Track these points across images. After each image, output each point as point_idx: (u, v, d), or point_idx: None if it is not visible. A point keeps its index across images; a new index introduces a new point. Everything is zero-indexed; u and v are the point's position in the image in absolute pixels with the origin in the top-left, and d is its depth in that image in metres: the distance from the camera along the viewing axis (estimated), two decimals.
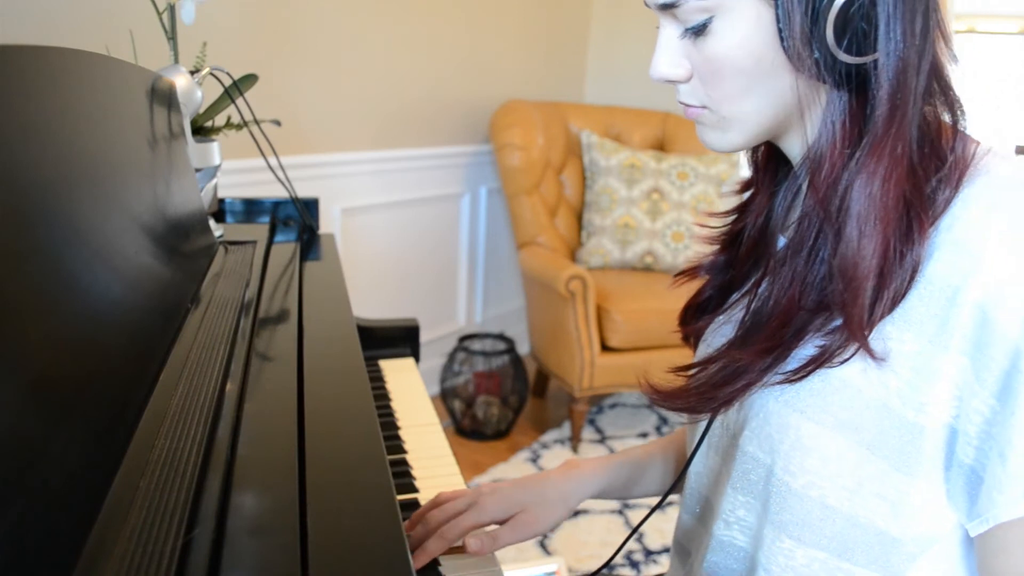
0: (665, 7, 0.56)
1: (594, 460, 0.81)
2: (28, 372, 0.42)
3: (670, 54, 0.58)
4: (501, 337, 2.66)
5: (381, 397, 1.10)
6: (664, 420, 2.71)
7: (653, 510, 0.77)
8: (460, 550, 0.76)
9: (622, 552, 1.95)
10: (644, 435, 2.59)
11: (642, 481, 0.84)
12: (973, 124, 0.57)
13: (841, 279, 0.54)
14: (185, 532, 0.44)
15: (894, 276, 0.53)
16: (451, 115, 2.69)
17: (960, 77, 0.56)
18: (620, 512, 2.12)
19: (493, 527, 0.75)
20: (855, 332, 0.54)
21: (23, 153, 0.49)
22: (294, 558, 0.45)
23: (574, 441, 2.46)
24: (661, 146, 2.89)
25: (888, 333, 0.55)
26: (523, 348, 2.99)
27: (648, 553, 1.96)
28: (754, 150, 0.70)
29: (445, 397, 2.58)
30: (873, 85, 0.53)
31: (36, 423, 0.41)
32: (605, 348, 2.39)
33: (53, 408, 0.44)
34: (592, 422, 2.66)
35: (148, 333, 0.63)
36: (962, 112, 0.56)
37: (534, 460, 2.40)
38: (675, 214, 2.62)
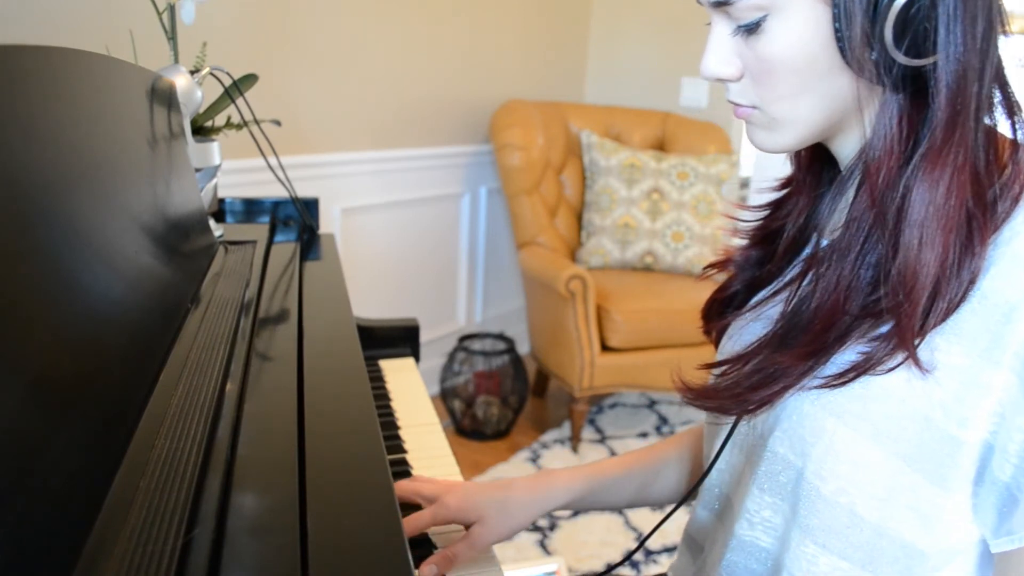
0: (718, 4, 0.54)
1: (568, 472, 0.80)
2: (28, 372, 0.42)
3: (721, 52, 0.57)
4: (501, 337, 2.66)
5: (381, 397, 1.10)
6: (664, 420, 2.71)
7: (668, 516, 0.76)
8: None
9: (622, 552, 1.95)
10: (644, 435, 2.59)
11: (651, 485, 0.83)
12: None
13: (900, 286, 0.53)
14: (185, 532, 0.44)
15: (950, 286, 0.52)
16: (451, 115, 2.69)
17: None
18: (620, 512, 2.12)
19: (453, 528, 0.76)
20: (905, 341, 0.53)
21: (23, 153, 0.49)
22: (294, 558, 0.45)
23: (574, 441, 2.46)
24: (661, 146, 2.89)
25: (936, 344, 0.53)
26: (523, 348, 2.99)
27: (648, 553, 1.96)
28: (799, 151, 0.69)
29: (445, 397, 2.58)
30: (932, 89, 0.51)
31: (36, 423, 0.41)
32: (605, 348, 2.39)
33: (53, 408, 0.44)
34: (592, 422, 2.66)
35: (148, 333, 0.63)
36: (1020, 120, 0.55)
37: (534, 460, 2.40)
38: (675, 214, 2.62)
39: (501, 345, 2.64)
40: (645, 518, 2.09)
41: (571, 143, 2.81)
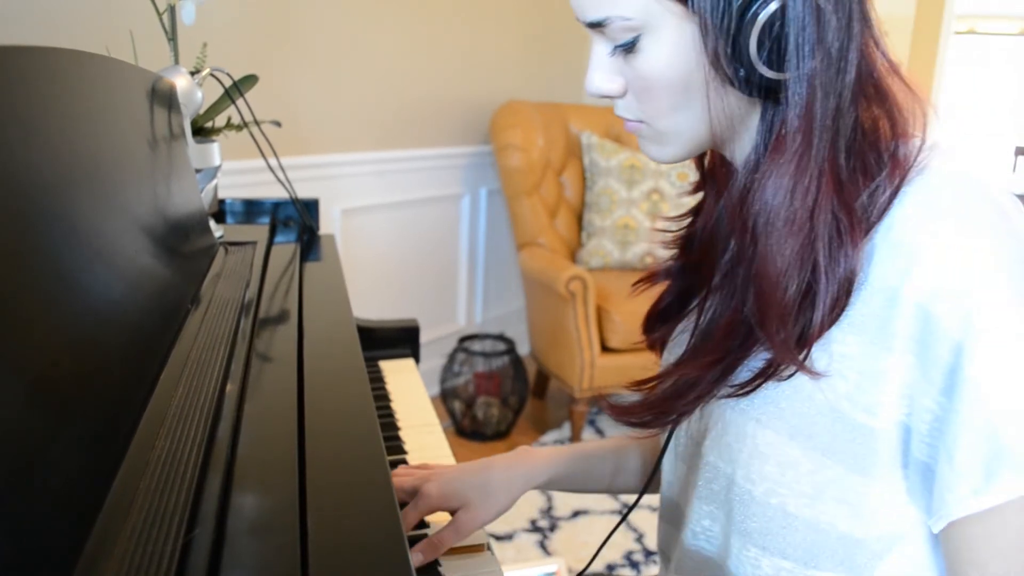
0: (593, 25, 0.56)
1: (548, 449, 0.81)
2: (28, 372, 0.42)
3: (603, 70, 0.58)
4: (501, 338, 2.66)
5: (381, 398, 1.10)
6: None
7: (628, 511, 0.78)
8: (459, 550, 0.76)
9: (622, 552, 1.96)
10: None
11: (620, 472, 0.84)
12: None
13: (755, 298, 0.55)
14: (185, 532, 0.44)
15: (827, 292, 0.53)
16: (451, 116, 2.69)
17: (907, 78, 0.56)
18: (620, 512, 2.12)
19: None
20: (780, 353, 0.54)
21: (23, 153, 0.49)
22: (294, 558, 0.45)
23: (574, 442, 2.46)
24: None
25: (833, 337, 0.54)
26: (523, 349, 2.99)
27: (648, 553, 1.96)
28: (700, 154, 0.70)
29: (445, 398, 2.58)
30: (784, 102, 0.53)
31: (36, 423, 0.41)
32: (605, 349, 2.39)
33: (53, 408, 0.44)
34: (592, 423, 2.66)
35: (148, 333, 0.63)
36: (900, 116, 0.56)
37: None
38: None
39: (501, 346, 2.64)
40: (645, 518, 2.09)
41: (571, 144, 2.81)
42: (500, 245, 3.03)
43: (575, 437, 2.46)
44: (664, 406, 0.61)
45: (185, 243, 0.84)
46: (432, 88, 2.58)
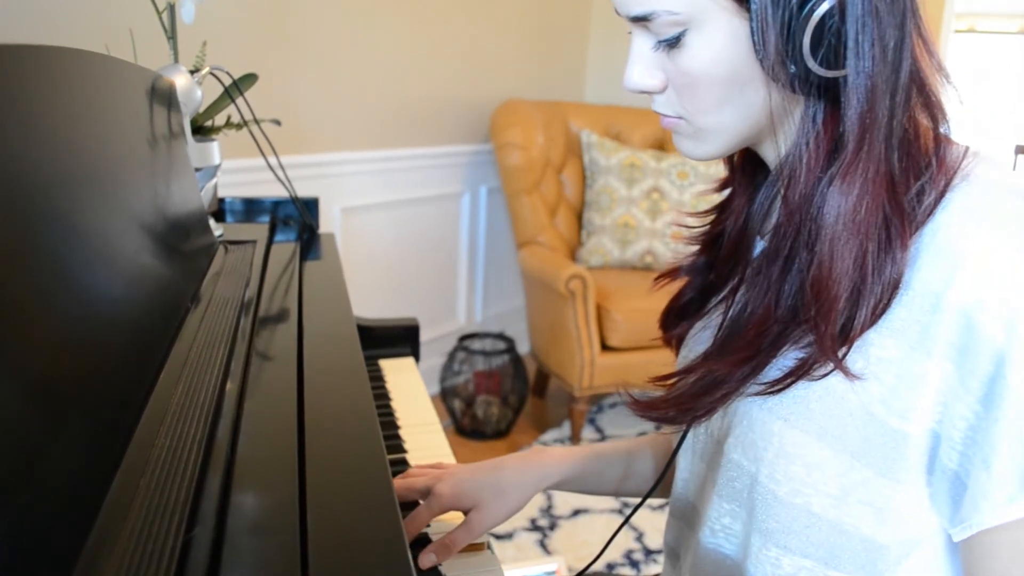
0: (637, 19, 0.55)
1: (562, 450, 0.81)
2: (28, 372, 0.42)
3: (644, 65, 0.58)
4: (501, 336, 2.66)
5: (381, 397, 1.10)
6: None
7: (634, 510, 0.77)
8: (459, 549, 0.76)
9: (622, 551, 1.96)
10: (643, 434, 2.59)
11: (629, 476, 0.84)
12: (964, 126, 0.57)
13: (813, 298, 0.54)
14: (185, 531, 0.44)
15: (872, 292, 0.53)
16: (451, 115, 2.69)
17: (953, 80, 0.56)
18: (620, 511, 2.12)
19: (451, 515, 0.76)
20: (825, 352, 0.54)
21: (23, 153, 0.49)
22: (294, 558, 0.45)
23: (574, 441, 2.46)
24: (661, 146, 2.89)
25: (870, 340, 0.54)
26: (523, 347, 2.99)
27: (648, 553, 1.97)
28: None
29: (445, 397, 2.58)
30: (843, 102, 0.52)
31: (36, 422, 0.41)
32: (605, 347, 2.39)
33: (53, 408, 0.44)
34: (592, 421, 2.66)
35: (148, 332, 0.63)
36: (944, 118, 0.55)
37: None
38: (675, 213, 2.62)
39: (501, 345, 2.64)
40: (646, 518, 2.09)
41: (571, 142, 2.81)
42: (500, 243, 3.03)
43: (575, 436, 2.46)
44: (690, 402, 0.61)
45: (185, 242, 0.84)
46: (432, 87, 2.58)
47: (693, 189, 2.61)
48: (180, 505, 0.46)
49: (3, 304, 0.42)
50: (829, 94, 0.53)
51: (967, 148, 0.56)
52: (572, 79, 3.25)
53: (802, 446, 0.57)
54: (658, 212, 2.63)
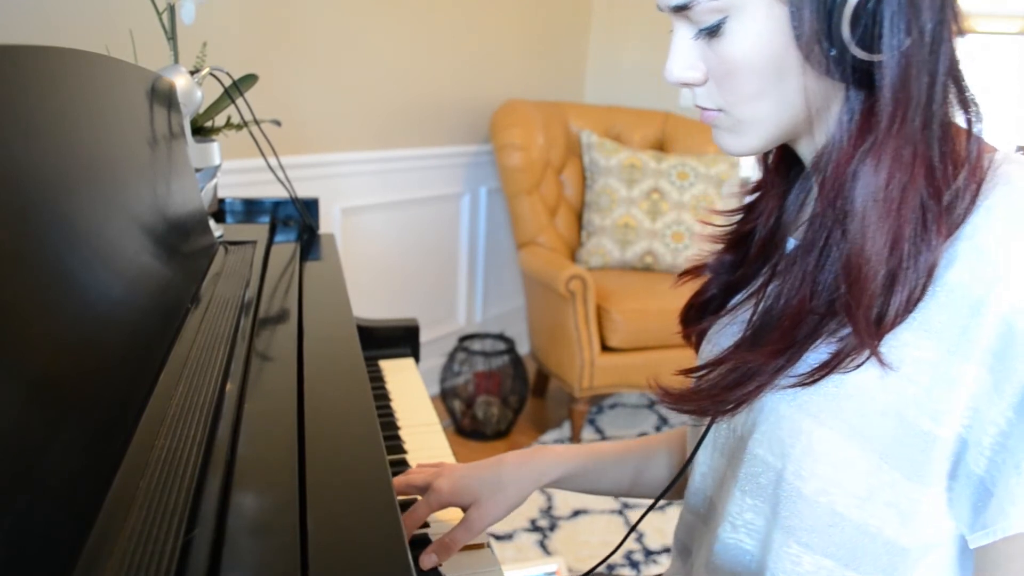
0: (678, 8, 0.55)
1: (562, 447, 0.81)
2: (28, 372, 0.42)
3: (685, 56, 0.58)
4: (501, 337, 2.66)
5: (381, 397, 1.10)
6: (664, 420, 2.71)
7: (649, 509, 0.77)
8: (460, 549, 0.76)
9: (622, 552, 1.96)
10: (644, 435, 2.59)
11: (643, 477, 0.84)
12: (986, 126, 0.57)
13: (845, 280, 0.54)
14: (185, 532, 0.44)
15: (907, 278, 0.52)
16: (451, 115, 2.69)
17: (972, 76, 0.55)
18: (620, 512, 2.12)
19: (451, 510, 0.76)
20: (863, 337, 0.53)
21: (23, 153, 0.49)
22: (294, 558, 0.45)
23: (574, 441, 2.46)
24: (661, 146, 2.89)
25: (906, 340, 0.54)
26: (523, 348, 2.99)
27: (648, 553, 1.96)
28: (765, 152, 0.69)
29: (445, 397, 2.58)
30: (877, 80, 0.52)
31: (36, 423, 0.41)
32: (605, 348, 2.39)
33: (53, 408, 0.44)
34: (592, 422, 2.66)
35: (148, 333, 0.63)
36: (977, 114, 0.55)
37: None
38: (675, 214, 2.62)
39: (501, 345, 2.64)
40: (647, 518, 2.08)
41: (571, 143, 2.81)
42: (500, 244, 3.03)
43: (575, 436, 2.46)
44: (723, 394, 0.60)
45: (185, 242, 0.84)
46: (432, 87, 2.58)
47: (693, 190, 2.61)
48: (180, 506, 0.46)
49: (3, 304, 0.42)
50: (867, 84, 0.53)
51: (997, 150, 0.55)
52: (572, 79, 3.25)
53: (830, 444, 0.56)
54: (658, 213, 2.63)
